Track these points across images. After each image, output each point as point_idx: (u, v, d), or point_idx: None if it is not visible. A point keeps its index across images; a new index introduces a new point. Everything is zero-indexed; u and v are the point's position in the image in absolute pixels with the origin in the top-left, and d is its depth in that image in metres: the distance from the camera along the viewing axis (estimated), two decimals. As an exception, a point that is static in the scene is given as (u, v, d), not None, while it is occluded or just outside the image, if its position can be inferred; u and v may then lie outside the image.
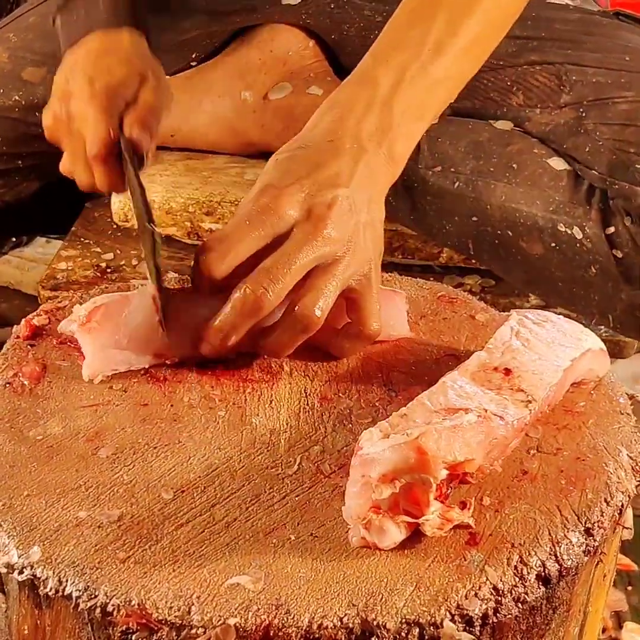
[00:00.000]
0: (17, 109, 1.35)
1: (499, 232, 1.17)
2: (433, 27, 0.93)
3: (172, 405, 0.82)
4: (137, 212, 0.94)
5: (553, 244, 1.18)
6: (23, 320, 0.90)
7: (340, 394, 0.84)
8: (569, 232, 1.17)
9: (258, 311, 0.81)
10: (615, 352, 1.27)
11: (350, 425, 0.81)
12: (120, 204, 1.30)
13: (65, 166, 1.07)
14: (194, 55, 1.39)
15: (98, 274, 1.28)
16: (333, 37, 1.36)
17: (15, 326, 0.90)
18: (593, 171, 1.18)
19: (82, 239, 1.36)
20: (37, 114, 1.35)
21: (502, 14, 0.99)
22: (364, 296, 0.85)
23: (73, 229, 1.38)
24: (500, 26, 1.00)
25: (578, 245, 1.17)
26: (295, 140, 0.90)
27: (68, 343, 0.88)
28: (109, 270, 1.29)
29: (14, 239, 1.80)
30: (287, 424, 0.80)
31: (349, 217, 0.84)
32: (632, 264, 1.15)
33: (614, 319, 1.20)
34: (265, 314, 0.82)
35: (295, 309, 0.82)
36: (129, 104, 1.01)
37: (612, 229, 1.15)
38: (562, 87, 1.25)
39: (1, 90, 1.35)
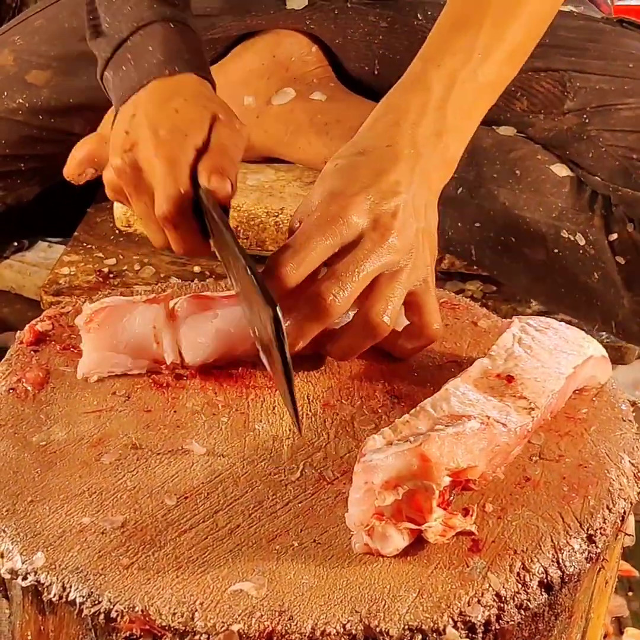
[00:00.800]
0: (20, 112, 1.36)
1: (502, 238, 1.18)
2: (481, 32, 0.94)
3: (175, 412, 0.82)
4: (244, 286, 0.81)
5: (556, 250, 1.19)
6: (27, 325, 0.91)
7: (343, 401, 0.84)
8: (572, 238, 1.17)
9: (327, 317, 0.82)
10: (617, 358, 1.27)
11: (353, 431, 0.81)
12: (123, 209, 1.30)
13: (143, 225, 0.98)
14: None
15: (100, 279, 1.29)
16: (337, 42, 1.36)
17: (18, 332, 0.90)
18: (596, 177, 1.19)
19: (84, 244, 1.36)
20: (40, 116, 1.36)
21: (541, 19, 1.00)
22: (424, 299, 0.87)
23: (75, 234, 1.38)
24: (539, 31, 1.01)
25: (581, 251, 1.18)
26: (352, 145, 0.90)
27: (71, 349, 0.88)
28: (111, 275, 1.29)
29: (15, 243, 1.80)
30: (290, 431, 0.80)
31: (411, 224, 0.86)
32: (635, 271, 1.16)
33: (617, 325, 1.20)
34: (334, 320, 0.83)
35: (365, 316, 0.84)
36: (200, 151, 0.90)
37: (615, 236, 1.16)
38: (565, 94, 1.25)
39: (5, 93, 1.35)
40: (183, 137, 0.90)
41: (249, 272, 0.76)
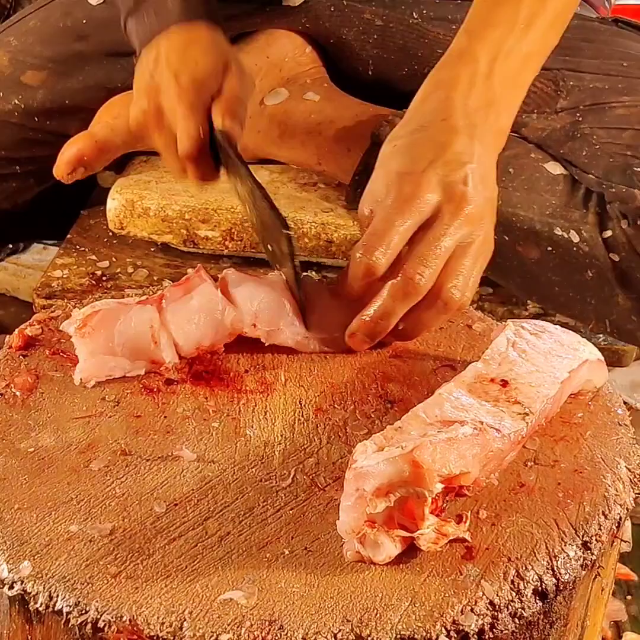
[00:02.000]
0: (16, 113, 1.35)
1: (495, 237, 1.17)
2: (522, 3, 0.97)
3: (165, 417, 0.81)
4: (260, 211, 0.95)
5: (549, 248, 1.18)
6: (16, 330, 0.90)
7: (336, 405, 0.84)
8: (566, 236, 1.17)
9: (415, 296, 0.85)
10: (614, 360, 1.26)
11: (346, 437, 0.80)
12: (116, 211, 1.29)
13: (164, 161, 1.08)
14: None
15: (93, 282, 1.28)
16: (331, 41, 1.35)
17: (7, 336, 0.89)
18: (590, 175, 1.18)
19: (77, 247, 1.35)
20: (36, 118, 1.36)
21: None
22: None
23: (68, 236, 1.37)
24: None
25: (575, 248, 1.17)
26: (407, 123, 0.93)
27: (61, 354, 0.87)
28: (104, 278, 1.28)
29: (10, 246, 1.80)
30: (281, 436, 0.80)
31: (482, 190, 0.88)
32: (629, 268, 1.15)
33: (611, 323, 1.20)
34: (420, 298, 0.86)
35: (439, 291, 0.86)
36: (215, 96, 1.01)
37: (609, 233, 1.15)
38: (558, 92, 1.25)
39: (0, 94, 1.35)
40: (201, 85, 1.01)
41: (266, 200, 0.92)
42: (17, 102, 1.35)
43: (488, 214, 0.89)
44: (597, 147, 1.19)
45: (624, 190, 1.14)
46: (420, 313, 0.87)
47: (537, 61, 1.00)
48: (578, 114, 1.22)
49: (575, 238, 1.16)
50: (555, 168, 1.21)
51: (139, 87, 1.04)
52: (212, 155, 1.01)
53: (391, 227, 0.86)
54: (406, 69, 1.31)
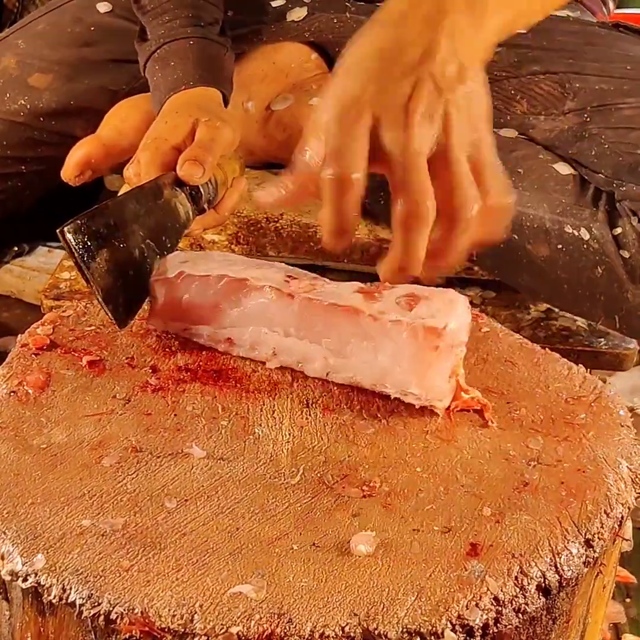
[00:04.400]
0: (22, 114, 1.37)
1: (504, 236, 1.18)
2: None
3: (175, 415, 0.82)
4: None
5: (559, 246, 1.19)
6: (30, 328, 0.91)
7: (343, 405, 0.85)
8: (576, 233, 1.18)
9: (426, 221, 0.79)
10: (615, 364, 1.27)
11: (353, 436, 0.81)
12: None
13: None
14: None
15: (101, 283, 1.28)
16: (336, 50, 1.37)
17: (20, 335, 0.90)
18: (599, 174, 1.19)
19: (85, 249, 1.36)
20: (42, 119, 1.37)
21: None
22: (482, 170, 0.81)
23: (76, 238, 1.38)
24: None
25: (585, 246, 1.18)
26: (370, 24, 0.86)
27: (72, 352, 0.89)
28: (111, 280, 1.29)
29: (16, 248, 1.81)
30: (289, 434, 0.81)
31: (435, 95, 0.79)
32: (639, 264, 1.16)
33: (620, 319, 1.21)
34: (432, 218, 0.79)
35: (451, 208, 0.80)
36: (180, 148, 1.06)
37: (619, 230, 1.16)
38: (565, 94, 1.26)
39: (8, 95, 1.36)
40: (163, 141, 1.07)
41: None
42: (23, 102, 1.37)
43: (463, 110, 0.80)
44: (606, 146, 1.20)
45: (634, 188, 1.16)
46: (445, 235, 0.81)
47: None
48: (585, 115, 1.24)
49: (586, 236, 1.17)
50: (564, 168, 1.22)
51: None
52: None
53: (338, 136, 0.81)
54: None
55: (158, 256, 0.93)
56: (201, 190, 1.04)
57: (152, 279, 0.90)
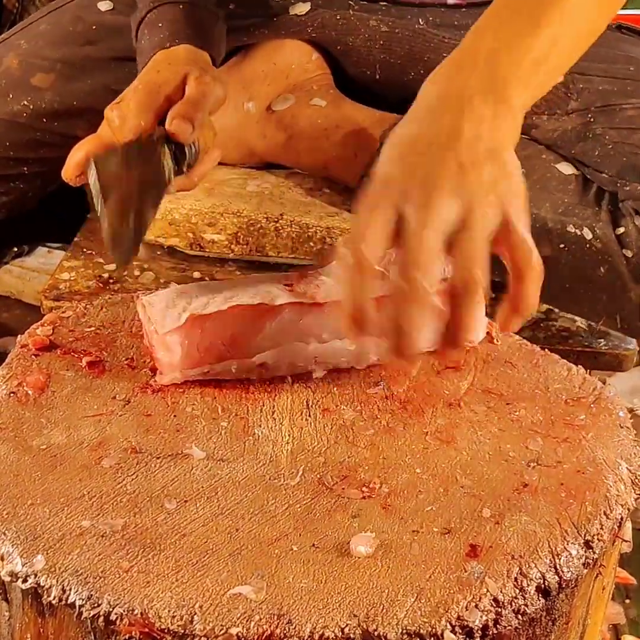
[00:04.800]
0: (25, 114, 1.36)
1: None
2: (531, 4, 0.87)
3: (175, 416, 0.82)
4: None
5: (562, 245, 1.19)
6: (30, 328, 0.91)
7: (342, 406, 0.85)
8: (579, 233, 1.18)
9: (421, 303, 0.77)
10: (615, 365, 1.27)
11: (352, 437, 0.81)
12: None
13: None
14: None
15: (100, 284, 1.29)
16: (338, 48, 1.37)
17: (19, 336, 0.90)
18: (603, 174, 1.20)
19: (84, 250, 1.36)
20: (44, 119, 1.37)
21: None
22: (511, 238, 0.82)
23: (76, 239, 1.38)
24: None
25: (588, 245, 1.18)
26: (402, 124, 0.85)
27: (72, 353, 0.89)
28: (111, 280, 1.29)
29: (15, 249, 1.81)
30: (289, 435, 0.81)
31: (457, 175, 0.79)
32: None
33: (622, 319, 1.21)
34: (429, 301, 0.77)
35: (458, 284, 0.79)
36: (172, 101, 1.04)
37: (622, 229, 1.17)
38: (569, 95, 1.26)
39: (10, 96, 1.36)
40: (157, 88, 1.05)
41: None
42: (26, 103, 1.36)
43: (489, 192, 0.80)
44: (610, 147, 1.20)
45: (637, 187, 1.16)
46: (455, 311, 0.79)
47: (567, 40, 0.91)
48: (589, 116, 1.24)
49: (588, 235, 1.17)
50: (567, 168, 1.22)
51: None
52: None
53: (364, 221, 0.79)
54: (412, 74, 1.31)
55: (151, 208, 0.94)
56: (186, 151, 1.02)
57: (163, 333, 0.85)
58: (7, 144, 1.37)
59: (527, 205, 0.83)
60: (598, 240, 1.17)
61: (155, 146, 0.99)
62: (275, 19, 1.35)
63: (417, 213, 0.78)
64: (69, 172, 1.29)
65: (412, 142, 0.82)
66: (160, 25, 1.16)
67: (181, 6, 1.17)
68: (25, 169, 1.40)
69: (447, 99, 0.83)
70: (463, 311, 0.79)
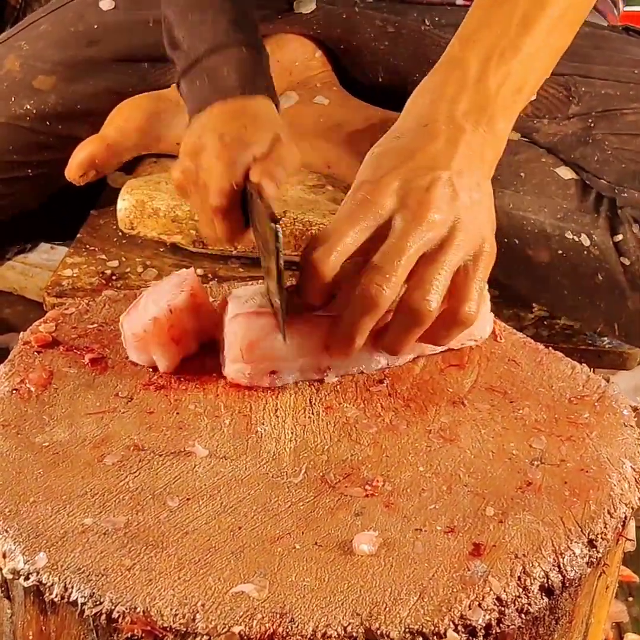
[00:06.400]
0: (28, 118, 1.36)
1: (505, 240, 1.17)
2: (517, 5, 0.91)
3: (177, 413, 0.82)
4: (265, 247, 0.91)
5: (560, 251, 1.19)
6: (33, 325, 0.91)
7: (345, 404, 0.85)
8: (577, 239, 1.18)
9: (376, 309, 0.81)
10: (619, 363, 1.27)
11: (355, 435, 0.81)
12: (126, 212, 1.30)
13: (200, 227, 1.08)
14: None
15: (103, 281, 1.29)
16: (342, 46, 1.36)
17: (22, 333, 0.90)
18: (602, 180, 1.19)
19: (87, 246, 1.36)
20: (47, 122, 1.37)
21: None
22: (464, 281, 0.84)
23: (78, 236, 1.38)
24: None
25: (585, 252, 1.18)
26: (390, 132, 0.90)
27: (75, 350, 0.88)
28: (114, 277, 1.29)
29: (18, 245, 1.81)
30: (292, 433, 0.81)
31: (452, 197, 0.83)
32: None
33: (620, 327, 1.20)
34: (384, 310, 0.81)
35: (405, 302, 0.81)
36: (257, 159, 0.99)
37: (620, 237, 1.16)
38: (570, 98, 1.25)
39: (13, 99, 1.36)
40: (245, 146, 0.99)
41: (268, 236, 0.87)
42: (29, 106, 1.36)
43: (468, 218, 0.84)
44: (609, 152, 1.19)
45: (636, 195, 1.15)
46: (393, 328, 0.83)
47: (544, 60, 0.94)
48: (590, 120, 1.23)
49: (586, 242, 1.17)
50: (566, 173, 1.22)
51: (184, 149, 1.04)
52: (243, 214, 1.00)
53: (338, 230, 0.82)
54: (417, 75, 1.30)
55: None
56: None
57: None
58: (11, 147, 1.37)
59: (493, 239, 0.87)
60: (596, 248, 1.17)
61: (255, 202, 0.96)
62: (280, 17, 1.35)
63: (407, 223, 0.82)
64: (72, 172, 1.29)
65: (409, 154, 0.86)
66: (225, 70, 1.08)
67: (245, 50, 1.10)
68: (29, 171, 1.40)
69: (438, 122, 0.87)
70: (402, 334, 0.83)
